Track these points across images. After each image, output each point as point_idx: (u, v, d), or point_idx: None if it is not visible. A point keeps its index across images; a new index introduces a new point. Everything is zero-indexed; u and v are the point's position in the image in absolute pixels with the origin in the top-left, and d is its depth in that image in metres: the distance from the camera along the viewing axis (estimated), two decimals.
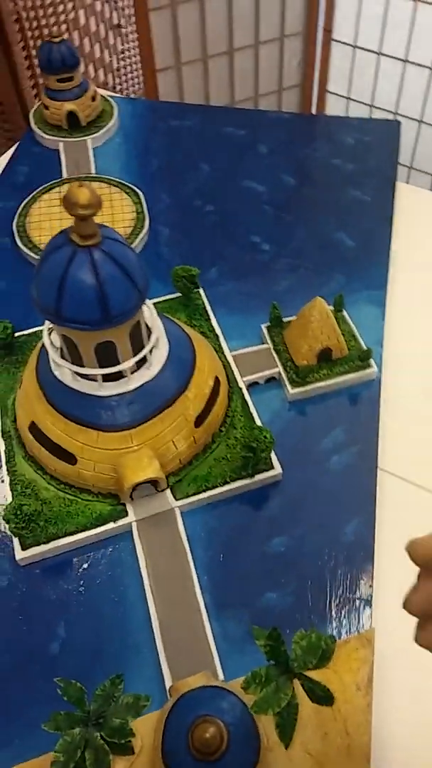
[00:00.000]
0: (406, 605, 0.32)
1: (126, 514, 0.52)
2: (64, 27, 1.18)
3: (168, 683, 0.45)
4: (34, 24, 1.06)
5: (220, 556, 0.51)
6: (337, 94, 1.58)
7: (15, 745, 0.43)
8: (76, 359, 0.48)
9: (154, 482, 0.52)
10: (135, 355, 0.49)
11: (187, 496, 0.53)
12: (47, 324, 0.50)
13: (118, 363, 0.48)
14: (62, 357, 0.49)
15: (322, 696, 0.37)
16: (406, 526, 0.54)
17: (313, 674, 0.40)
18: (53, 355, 0.49)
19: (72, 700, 0.38)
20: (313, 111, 1.66)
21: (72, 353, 0.48)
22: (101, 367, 0.48)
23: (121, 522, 0.52)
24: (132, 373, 0.50)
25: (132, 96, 1.63)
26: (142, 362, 0.50)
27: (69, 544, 0.51)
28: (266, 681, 0.37)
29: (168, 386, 0.52)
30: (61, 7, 1.13)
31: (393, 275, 0.70)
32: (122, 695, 0.38)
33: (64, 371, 0.50)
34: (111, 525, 0.52)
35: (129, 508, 0.53)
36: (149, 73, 1.42)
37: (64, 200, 0.38)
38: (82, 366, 0.48)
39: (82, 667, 0.46)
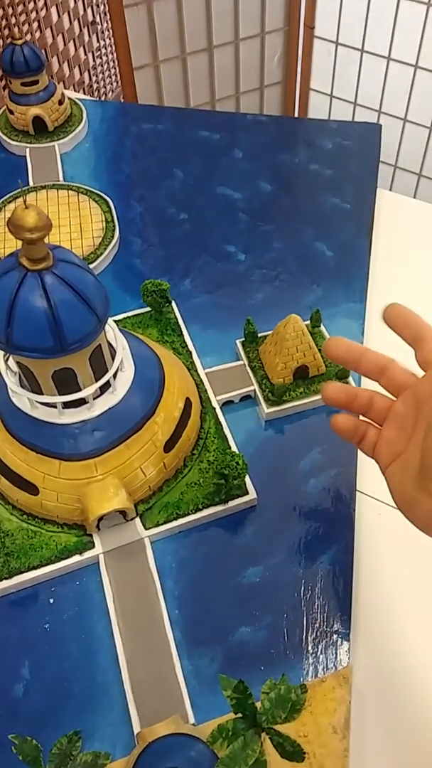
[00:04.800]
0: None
1: (93, 546, 0.50)
2: (35, 25, 1.14)
3: (136, 727, 0.42)
4: (3, 23, 1.02)
5: (192, 589, 0.49)
6: (320, 92, 1.55)
7: None
8: (34, 386, 0.45)
9: (122, 511, 0.49)
10: (97, 380, 0.46)
11: (158, 525, 0.51)
12: None
13: (79, 389, 0.45)
14: (20, 383, 0.46)
15: (292, 752, 0.35)
16: (386, 552, 0.52)
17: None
18: (10, 383, 0.46)
19: (27, 759, 0.35)
20: (296, 109, 1.63)
21: (29, 380, 0.45)
22: (60, 394, 0.45)
23: (87, 554, 0.49)
24: (95, 398, 0.47)
25: (110, 94, 1.59)
26: (105, 386, 0.48)
27: (33, 579, 0.49)
28: (233, 735, 0.34)
29: (134, 411, 0.49)
30: (31, 5, 1.09)
31: (372, 287, 0.67)
32: (80, 753, 0.36)
33: (22, 398, 0.47)
34: (77, 558, 0.49)
35: (96, 538, 0.50)
36: (126, 71, 1.38)
37: (8, 223, 0.35)
38: (40, 393, 0.45)
39: (47, 711, 0.44)
